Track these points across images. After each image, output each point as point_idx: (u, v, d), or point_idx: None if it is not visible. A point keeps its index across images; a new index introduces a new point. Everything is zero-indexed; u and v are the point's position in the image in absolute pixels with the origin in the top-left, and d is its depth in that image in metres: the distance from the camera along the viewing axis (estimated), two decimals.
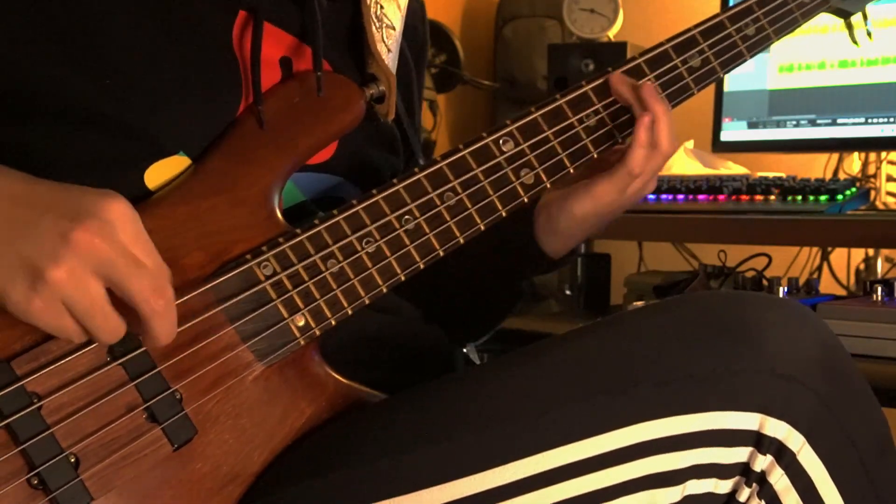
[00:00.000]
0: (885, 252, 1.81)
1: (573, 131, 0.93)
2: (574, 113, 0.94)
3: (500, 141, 0.91)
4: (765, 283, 1.55)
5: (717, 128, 1.82)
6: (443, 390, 0.81)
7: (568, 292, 2.01)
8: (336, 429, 0.82)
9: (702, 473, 0.74)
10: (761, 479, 0.74)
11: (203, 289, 0.79)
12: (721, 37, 1.00)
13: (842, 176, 1.87)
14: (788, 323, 0.75)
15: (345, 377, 0.85)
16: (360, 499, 0.75)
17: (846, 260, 1.91)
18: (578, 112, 0.94)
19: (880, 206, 1.73)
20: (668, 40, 0.99)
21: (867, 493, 0.75)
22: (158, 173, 0.82)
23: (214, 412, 0.78)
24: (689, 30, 1.00)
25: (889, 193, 1.81)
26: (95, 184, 0.74)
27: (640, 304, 1.53)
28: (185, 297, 0.77)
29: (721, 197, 1.55)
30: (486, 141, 0.90)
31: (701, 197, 1.56)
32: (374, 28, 0.95)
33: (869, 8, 1.17)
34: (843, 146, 1.77)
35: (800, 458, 0.73)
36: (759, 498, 0.74)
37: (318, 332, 0.82)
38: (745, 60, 1.02)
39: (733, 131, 1.81)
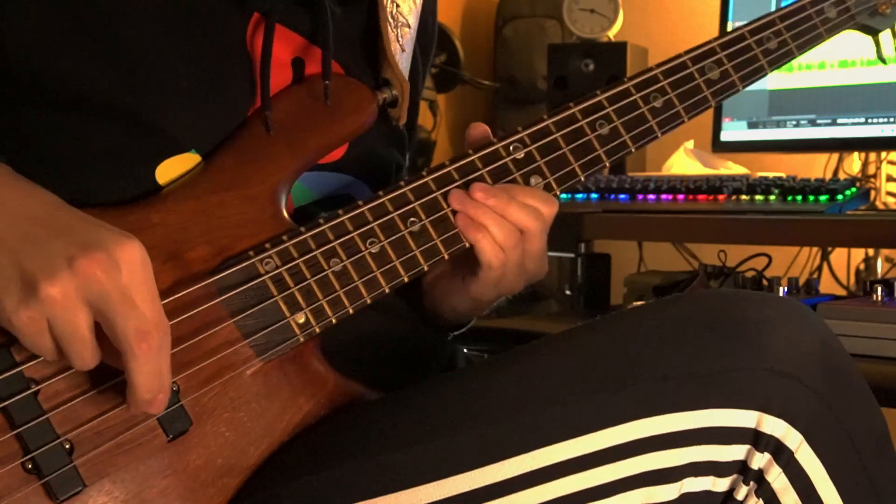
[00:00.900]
0: (885, 252, 1.81)
1: (585, 139, 0.92)
2: (587, 121, 0.92)
3: (511, 146, 0.90)
4: (765, 283, 1.55)
5: (717, 128, 1.82)
6: (441, 388, 0.81)
7: (568, 292, 2.01)
8: (334, 425, 0.82)
9: (699, 471, 0.74)
10: (759, 478, 0.74)
11: (206, 282, 0.79)
12: (740, 48, 0.98)
13: (842, 176, 1.87)
14: (787, 321, 0.75)
15: (344, 374, 0.85)
16: (358, 494, 0.75)
17: (846, 260, 1.91)
18: (591, 120, 0.92)
19: (880, 206, 1.73)
20: (687, 52, 0.96)
21: (866, 492, 0.75)
22: (169, 169, 0.83)
23: (211, 405, 0.78)
24: (708, 42, 0.97)
25: (889, 193, 1.81)
26: (107, 176, 0.74)
27: (639, 304, 1.54)
28: (188, 290, 0.78)
29: (721, 197, 1.55)
30: (496, 146, 0.89)
31: (701, 197, 1.56)
32: (389, 28, 0.95)
33: None
34: (843, 146, 1.77)
35: (798, 456, 0.73)
36: (757, 496, 0.74)
37: (318, 330, 0.82)
38: (766, 74, 1.00)
39: (733, 131, 1.81)
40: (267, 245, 0.82)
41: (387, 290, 0.85)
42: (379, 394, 0.86)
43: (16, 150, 0.79)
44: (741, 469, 0.74)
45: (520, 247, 0.88)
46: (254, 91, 0.86)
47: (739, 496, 0.74)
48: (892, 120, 1.64)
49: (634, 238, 1.93)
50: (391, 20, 0.95)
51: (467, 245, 0.87)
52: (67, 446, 0.73)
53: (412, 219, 0.86)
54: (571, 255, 1.87)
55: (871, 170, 1.82)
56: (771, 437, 0.73)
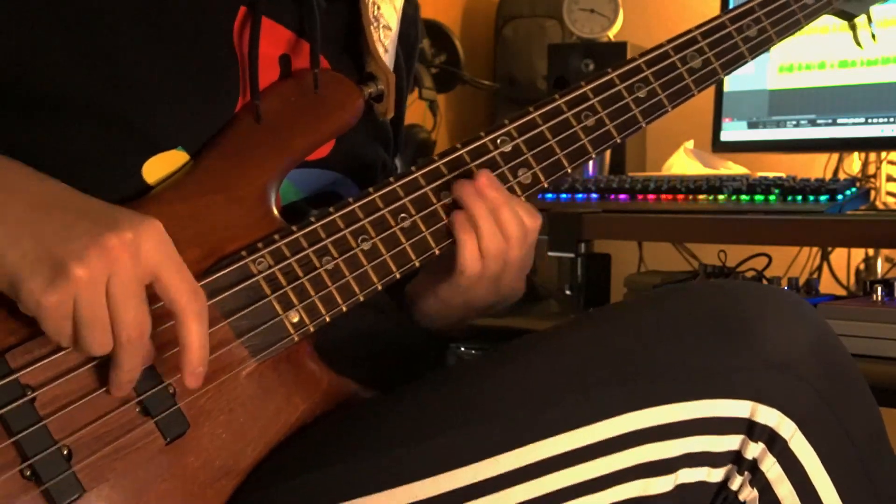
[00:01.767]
0: (885, 252, 1.81)
1: (571, 131, 0.92)
2: (572, 113, 0.92)
3: (498, 140, 0.90)
4: (765, 283, 1.55)
5: (717, 128, 1.82)
6: (437, 385, 0.81)
7: (568, 292, 2.01)
8: (330, 424, 0.82)
9: (694, 462, 0.74)
10: (753, 467, 0.74)
11: (199, 284, 0.78)
12: (721, 36, 0.99)
13: (842, 176, 1.87)
14: (783, 313, 0.75)
15: (339, 373, 0.85)
16: (354, 492, 0.75)
17: (846, 260, 1.90)
18: (576, 111, 0.93)
19: (880, 206, 1.72)
20: (669, 41, 0.98)
21: (861, 482, 0.75)
22: (156, 168, 0.82)
23: (208, 407, 0.78)
24: (689, 31, 0.99)
25: (889, 193, 1.81)
26: (92, 176, 0.74)
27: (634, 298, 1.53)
28: None
29: (721, 197, 1.54)
30: (483, 140, 0.89)
31: (701, 197, 1.56)
32: (371, 28, 0.95)
33: (872, 9, 1.16)
34: (843, 146, 1.77)
35: (791, 445, 0.73)
36: (752, 486, 0.74)
37: (312, 329, 0.82)
38: (746, 62, 1.01)
39: (733, 131, 1.81)
40: (259, 245, 0.82)
41: (379, 287, 0.84)
42: (373, 392, 0.86)
43: (1, 153, 0.78)
44: (735, 459, 0.74)
45: (501, 258, 0.87)
46: (241, 86, 0.86)
47: (734, 486, 0.74)
48: (892, 120, 1.64)
49: (634, 238, 1.93)
50: (373, 20, 0.96)
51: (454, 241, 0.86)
52: (66, 452, 0.73)
53: (402, 215, 0.85)
54: (571, 255, 1.86)
55: (871, 170, 1.82)
56: (765, 426, 0.73)
